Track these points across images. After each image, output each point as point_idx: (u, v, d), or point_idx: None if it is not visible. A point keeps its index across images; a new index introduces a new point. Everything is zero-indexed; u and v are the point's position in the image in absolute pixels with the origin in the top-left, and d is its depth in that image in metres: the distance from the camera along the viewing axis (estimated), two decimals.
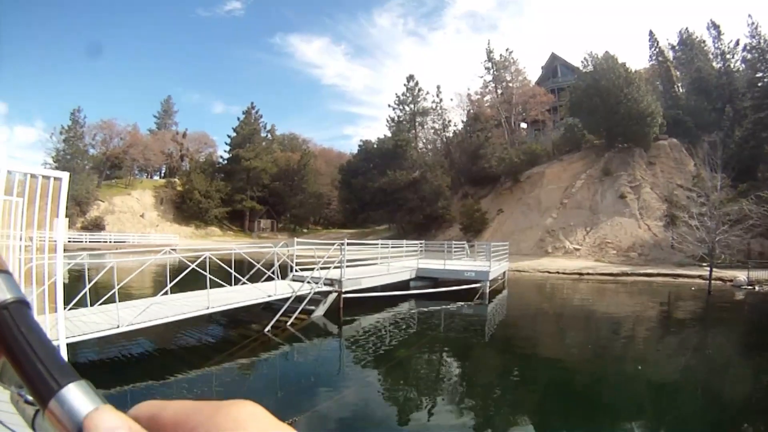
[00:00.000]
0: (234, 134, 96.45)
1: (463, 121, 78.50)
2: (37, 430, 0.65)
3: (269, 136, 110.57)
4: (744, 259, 33.68)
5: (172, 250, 17.21)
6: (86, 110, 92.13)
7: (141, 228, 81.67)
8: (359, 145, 78.83)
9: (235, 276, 15.59)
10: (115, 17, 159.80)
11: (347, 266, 18.80)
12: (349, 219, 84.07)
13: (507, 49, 78.71)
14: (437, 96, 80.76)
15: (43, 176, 7.45)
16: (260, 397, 9.75)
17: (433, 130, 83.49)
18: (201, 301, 13.08)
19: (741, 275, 30.56)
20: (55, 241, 7.80)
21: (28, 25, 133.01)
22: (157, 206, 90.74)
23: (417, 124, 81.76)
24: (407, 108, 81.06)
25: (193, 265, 13.21)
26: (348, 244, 18.59)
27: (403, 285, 22.78)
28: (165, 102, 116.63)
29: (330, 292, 17.65)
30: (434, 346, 14.95)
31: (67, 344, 8.33)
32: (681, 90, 72.62)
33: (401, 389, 10.91)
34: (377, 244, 24.18)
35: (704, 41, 74.35)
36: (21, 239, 7.44)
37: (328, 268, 18.16)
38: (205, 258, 13.23)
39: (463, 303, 21.55)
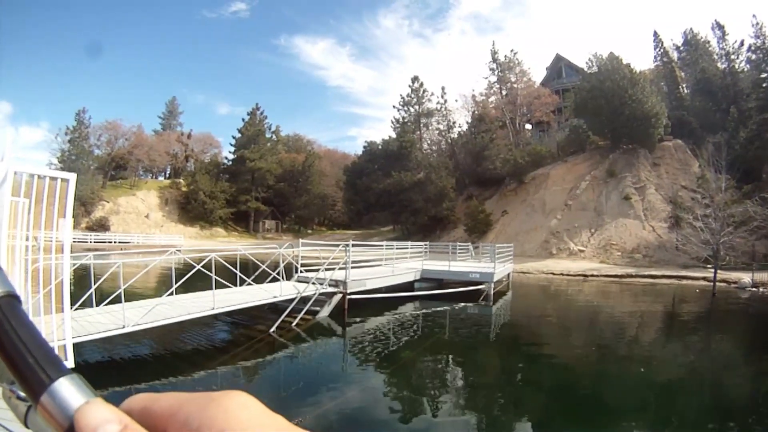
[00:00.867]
0: (239, 135, 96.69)
1: (467, 122, 78.55)
2: (30, 426, 0.64)
3: (274, 137, 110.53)
4: (748, 260, 33.61)
5: (177, 250, 17.27)
6: (91, 111, 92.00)
7: (146, 228, 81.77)
8: (364, 146, 79.24)
9: (240, 277, 15.62)
10: (120, 18, 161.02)
11: (352, 267, 18.80)
12: (354, 220, 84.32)
13: (512, 50, 78.64)
14: (442, 97, 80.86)
15: (50, 177, 7.50)
16: (265, 397, 9.74)
17: (437, 131, 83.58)
18: (206, 301, 13.12)
19: (746, 277, 30.50)
20: (61, 241, 7.81)
21: (33, 25, 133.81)
22: (162, 207, 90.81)
23: (422, 125, 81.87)
24: (412, 109, 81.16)
25: (198, 266, 13.25)
26: (353, 245, 18.65)
27: (408, 286, 22.86)
28: (170, 103, 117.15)
29: (335, 293, 17.67)
30: (439, 347, 14.94)
31: (74, 344, 8.37)
32: (686, 91, 72.50)
33: (405, 391, 10.91)
34: (382, 246, 24.23)
35: (709, 42, 74.22)
36: (27, 239, 7.47)
37: (333, 269, 18.23)
38: (211, 259, 13.30)
39: (467, 304, 21.58)
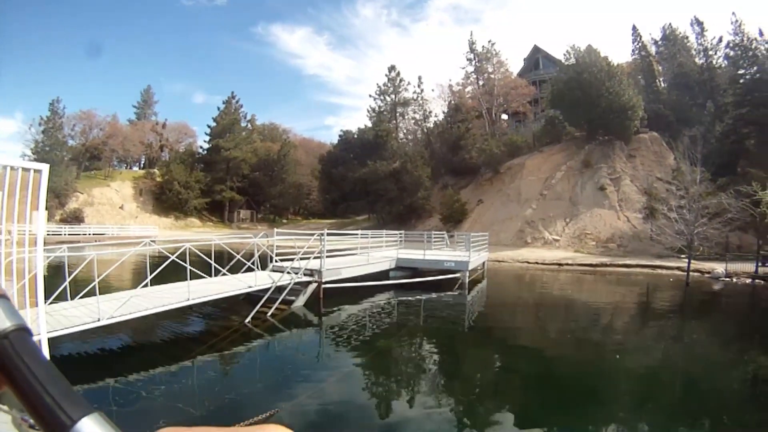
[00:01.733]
0: (214, 124, 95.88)
1: (444, 112, 78.62)
2: None
3: (249, 126, 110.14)
4: (722, 251, 34.01)
5: (152, 241, 17.19)
6: (66, 101, 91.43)
7: (120, 220, 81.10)
8: (339, 136, 79.42)
9: (215, 267, 15.64)
10: (94, 5, 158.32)
11: (327, 256, 18.87)
12: (329, 209, 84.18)
13: (489, 41, 78.84)
14: (418, 87, 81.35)
15: (23, 168, 7.41)
16: (242, 388, 9.85)
17: (413, 121, 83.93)
18: (181, 292, 13.10)
19: (719, 267, 30.92)
20: (35, 234, 7.77)
21: (5, 15, 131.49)
22: (137, 197, 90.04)
23: (398, 114, 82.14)
24: (388, 98, 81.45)
25: (173, 257, 13.22)
26: (328, 234, 18.64)
27: (383, 275, 22.94)
28: (145, 92, 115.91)
29: (310, 283, 17.70)
30: (414, 336, 15.06)
31: (49, 339, 8.33)
32: (663, 85, 73.28)
33: (382, 379, 11.01)
34: (357, 234, 24.21)
35: (687, 37, 75.19)
36: (0, 233, 7.41)
37: (308, 258, 18.21)
38: (185, 249, 13.24)
39: (442, 293, 21.73)
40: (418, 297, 20.81)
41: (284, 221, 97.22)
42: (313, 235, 19.05)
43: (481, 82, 78.70)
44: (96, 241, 49.75)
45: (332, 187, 74.87)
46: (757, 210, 30.95)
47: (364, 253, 23.27)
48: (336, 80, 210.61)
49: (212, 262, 15.45)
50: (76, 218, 73.96)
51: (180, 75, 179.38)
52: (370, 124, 76.90)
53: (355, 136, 75.15)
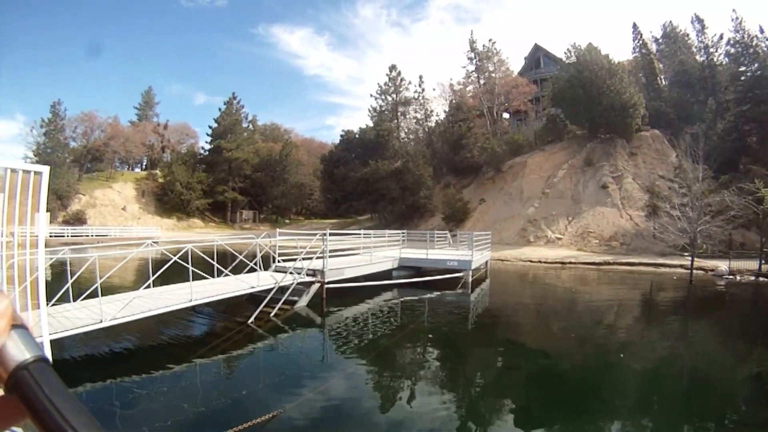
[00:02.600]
0: (215, 125, 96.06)
1: (445, 111, 78.71)
2: None
3: (251, 126, 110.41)
4: (725, 249, 33.95)
5: (154, 242, 17.16)
6: (67, 103, 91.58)
7: (123, 221, 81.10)
8: (341, 135, 79.29)
9: (217, 268, 15.61)
10: (94, 7, 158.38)
11: (330, 256, 18.76)
12: (332, 209, 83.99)
13: (490, 40, 79.03)
14: (419, 86, 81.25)
15: (23, 170, 7.40)
16: (246, 388, 9.81)
17: (415, 120, 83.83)
18: (184, 293, 13.11)
19: (722, 265, 30.84)
20: (37, 236, 7.75)
21: (5, 17, 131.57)
22: (139, 199, 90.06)
23: (399, 114, 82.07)
24: (389, 98, 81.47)
25: (175, 258, 13.18)
26: (330, 234, 18.64)
27: (386, 275, 22.79)
28: (146, 93, 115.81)
29: (313, 283, 17.64)
30: (418, 335, 14.99)
31: (51, 341, 8.32)
32: (664, 82, 72.97)
33: (385, 379, 10.97)
34: (359, 234, 24.25)
35: (688, 35, 75.10)
36: (2, 235, 7.40)
37: (311, 258, 18.17)
38: (188, 250, 13.21)
39: (445, 292, 21.70)
40: (421, 296, 20.75)
41: (287, 221, 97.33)
42: (315, 235, 19.06)
43: (482, 81, 78.70)
44: (98, 242, 49.78)
45: (334, 186, 74.75)
46: (760, 207, 30.97)
47: (367, 252, 23.19)
48: (337, 80, 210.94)
49: (215, 263, 15.43)
50: (78, 220, 73.99)
51: (181, 76, 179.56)
52: (371, 124, 76.86)
53: (357, 135, 75.12)
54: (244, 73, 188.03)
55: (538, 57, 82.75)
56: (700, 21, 72.96)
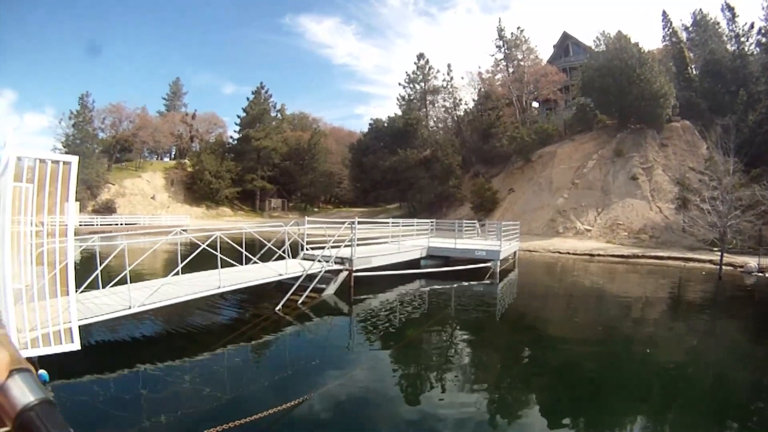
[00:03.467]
0: (244, 114, 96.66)
1: (474, 100, 78.28)
2: None
3: (279, 115, 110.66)
4: (755, 245, 33.18)
5: (183, 230, 17.25)
6: (95, 95, 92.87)
7: (152, 210, 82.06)
8: (369, 124, 79.40)
9: (246, 255, 15.72)
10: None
11: (358, 245, 18.74)
12: (360, 198, 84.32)
13: (518, 28, 78.29)
14: (448, 74, 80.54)
15: (53, 161, 7.54)
16: (271, 375, 9.85)
17: (443, 109, 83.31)
18: (212, 280, 13.20)
19: (752, 261, 30.13)
20: (66, 225, 7.84)
21: (34, 13, 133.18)
22: (168, 188, 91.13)
23: (427, 102, 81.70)
24: (418, 87, 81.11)
25: (203, 245, 13.25)
26: (359, 222, 18.61)
27: (414, 264, 22.74)
28: (174, 84, 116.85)
29: (341, 271, 17.67)
30: (445, 325, 14.94)
31: (80, 327, 8.41)
32: (694, 72, 71.54)
33: (412, 368, 10.94)
34: (388, 223, 24.23)
35: (718, 23, 73.25)
36: (32, 225, 7.48)
37: (339, 246, 18.14)
38: (216, 237, 13.30)
39: (473, 282, 21.59)
40: (448, 286, 20.64)
41: (315, 210, 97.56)
42: (343, 223, 19.04)
43: (510, 70, 78.10)
44: (127, 230, 50.25)
45: (363, 175, 74.95)
46: None
47: (395, 241, 23.19)
48: (365, 69, 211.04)
49: (243, 251, 15.54)
50: (108, 209, 75.02)
51: (208, 67, 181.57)
52: (399, 113, 76.78)
53: (385, 124, 75.14)
54: (272, 63, 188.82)
55: (567, 45, 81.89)
56: (731, 9, 71.17)
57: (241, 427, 6.93)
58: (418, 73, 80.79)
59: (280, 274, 15.43)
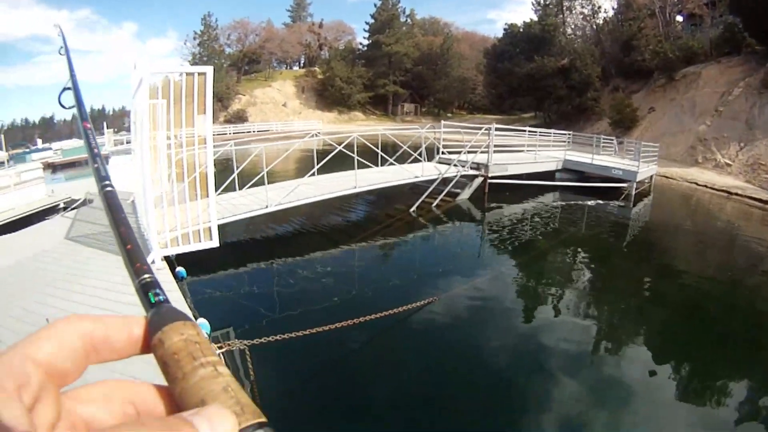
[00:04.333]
0: (372, 21, 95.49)
1: (613, 8, 73.70)
2: None
3: (409, 20, 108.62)
4: None
5: (317, 134, 17.48)
6: (216, 15, 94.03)
7: (283, 117, 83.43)
8: (504, 29, 76.49)
9: (381, 156, 15.79)
10: None
11: (494, 152, 18.53)
12: (495, 105, 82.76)
13: None
14: None
15: (187, 74, 7.71)
16: (398, 275, 10.03)
17: (582, 16, 79.30)
18: (348, 181, 13.42)
19: None
20: (202, 135, 8.09)
21: None
22: (299, 95, 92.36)
23: (564, 8, 78.13)
24: None
25: (339, 147, 13.43)
26: (495, 129, 18.29)
27: (549, 175, 22.21)
28: None
29: (476, 176, 17.64)
30: (572, 244, 14.63)
31: (219, 225, 8.80)
32: None
33: (532, 285, 10.90)
34: (525, 132, 23.73)
35: None
36: (169, 138, 7.75)
37: (475, 152, 17.95)
38: (353, 139, 13.43)
39: (607, 202, 20.99)
40: (581, 202, 20.17)
41: (449, 115, 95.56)
42: (479, 129, 18.78)
43: None
44: (260, 137, 51.58)
45: (498, 81, 73.02)
46: None
47: (531, 151, 22.77)
48: None
49: (379, 152, 15.58)
50: (239, 118, 77.13)
51: None
52: (535, 18, 74.01)
53: (521, 29, 72.48)
54: None
55: None
56: None
57: (369, 322, 7.10)
58: None
59: (416, 176, 15.49)
